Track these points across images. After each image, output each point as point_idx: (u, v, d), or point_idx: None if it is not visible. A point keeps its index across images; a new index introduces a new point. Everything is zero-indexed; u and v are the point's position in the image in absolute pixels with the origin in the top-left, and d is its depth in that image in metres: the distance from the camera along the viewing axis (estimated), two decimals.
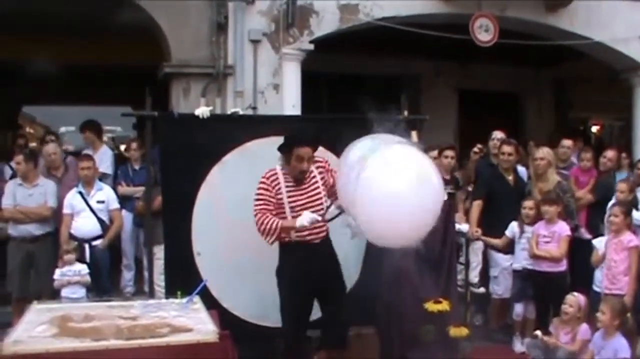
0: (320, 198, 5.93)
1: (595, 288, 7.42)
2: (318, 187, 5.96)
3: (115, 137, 19.54)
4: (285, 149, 5.82)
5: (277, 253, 6.08)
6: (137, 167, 9.35)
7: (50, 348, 4.34)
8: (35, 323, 4.83)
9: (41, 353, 4.29)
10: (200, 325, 4.74)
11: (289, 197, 5.85)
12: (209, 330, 4.60)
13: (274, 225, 5.75)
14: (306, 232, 5.86)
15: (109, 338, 4.49)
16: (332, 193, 5.94)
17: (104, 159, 9.58)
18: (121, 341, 4.42)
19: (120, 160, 10.30)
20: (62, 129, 15.89)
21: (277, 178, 5.87)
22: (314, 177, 5.98)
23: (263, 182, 5.85)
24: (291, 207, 5.83)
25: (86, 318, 4.95)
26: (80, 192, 8.20)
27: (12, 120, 16.45)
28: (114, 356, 4.31)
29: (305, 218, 5.68)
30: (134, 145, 9.51)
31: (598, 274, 7.44)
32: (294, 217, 5.80)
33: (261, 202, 5.82)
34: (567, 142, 9.33)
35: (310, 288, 5.93)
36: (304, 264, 5.86)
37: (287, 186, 5.86)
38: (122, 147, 13.79)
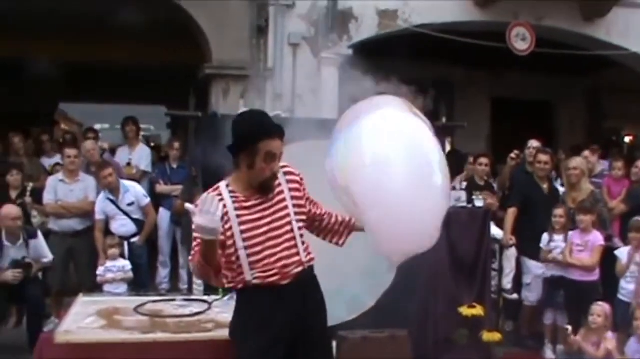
0: (289, 223, 3.90)
1: (621, 297, 7.47)
2: (286, 208, 3.92)
3: (150, 136, 19.80)
4: (244, 146, 3.74)
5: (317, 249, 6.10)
6: (175, 166, 9.50)
7: (99, 339, 4.50)
8: (83, 315, 4.98)
9: (91, 343, 4.45)
10: None
11: (242, 224, 3.78)
12: None
13: (198, 262, 3.73)
14: (269, 269, 3.86)
15: (156, 331, 4.64)
16: (327, 230, 4.30)
17: (143, 156, 9.78)
18: (168, 335, 4.56)
19: (156, 158, 10.48)
20: (97, 127, 16.10)
21: (219, 200, 3.59)
22: (281, 192, 3.94)
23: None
24: (245, 239, 3.77)
25: (132, 311, 5.09)
26: (109, 199, 8.25)
27: (48, 117, 16.72)
28: (161, 349, 4.45)
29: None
30: (176, 144, 9.65)
31: (623, 284, 7.49)
32: (250, 254, 3.81)
33: (195, 243, 3.75)
34: (585, 152, 9.36)
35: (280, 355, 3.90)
36: (270, 319, 3.86)
37: (236, 209, 3.79)
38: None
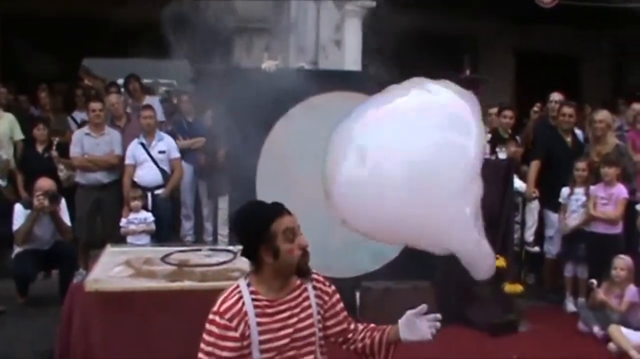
0: (312, 335, 3.34)
1: None
2: (310, 317, 3.35)
3: (172, 90, 19.82)
4: (257, 239, 3.18)
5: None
6: (190, 119, 9.55)
7: (128, 287, 4.60)
8: (111, 264, 5.09)
9: (120, 291, 4.56)
10: None
11: (262, 333, 3.20)
12: None
13: None
14: None
15: (183, 279, 4.72)
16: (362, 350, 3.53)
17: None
18: (195, 283, 4.65)
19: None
20: (120, 81, 16.10)
21: (240, 309, 3.16)
22: (306, 298, 3.37)
23: (216, 324, 3.13)
24: (263, 351, 3.20)
25: (159, 261, 5.18)
26: (141, 143, 8.40)
27: (73, 72, 16.77)
28: (188, 297, 4.54)
29: None
30: (184, 98, 9.71)
31: None
32: None
33: None
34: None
35: None
36: None
37: (257, 315, 3.20)
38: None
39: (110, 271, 4.90)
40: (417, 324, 3.30)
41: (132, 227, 7.79)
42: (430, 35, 13.48)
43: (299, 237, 3.23)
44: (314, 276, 3.41)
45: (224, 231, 7.14)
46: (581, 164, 7.80)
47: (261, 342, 3.18)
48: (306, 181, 6.42)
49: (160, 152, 8.44)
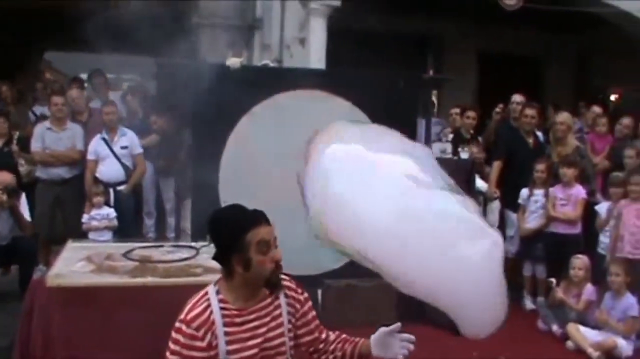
0: (283, 344, 3.25)
1: (600, 251, 7.63)
2: (281, 326, 3.27)
3: (134, 86, 19.68)
4: (230, 247, 3.09)
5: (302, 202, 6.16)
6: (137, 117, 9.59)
7: (90, 283, 4.57)
8: (73, 259, 5.05)
9: (82, 286, 4.53)
10: None
11: (229, 343, 3.11)
12: None
13: None
14: None
15: (146, 275, 4.71)
16: None
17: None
18: (158, 279, 4.63)
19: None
20: (83, 76, 15.95)
21: (208, 318, 3.08)
22: (278, 306, 3.28)
23: (182, 333, 3.05)
24: None
25: (121, 256, 5.15)
26: (104, 139, 8.34)
27: (33, 66, 16.59)
28: (150, 293, 4.53)
29: None
30: (129, 97, 9.83)
31: (602, 238, 7.64)
32: None
33: None
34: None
35: None
36: None
37: (225, 324, 3.11)
38: None
39: (72, 266, 4.85)
40: (390, 341, 3.26)
41: (94, 223, 7.73)
42: (395, 35, 13.56)
43: (274, 250, 3.11)
44: (287, 282, 3.34)
45: (188, 228, 7.13)
46: (540, 166, 7.91)
47: (229, 352, 3.09)
48: (269, 178, 6.46)
49: (123, 147, 8.40)
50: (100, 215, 7.76)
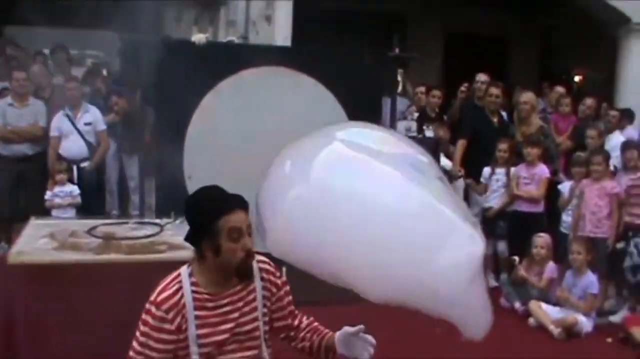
0: (257, 329, 3.16)
1: (562, 230, 7.75)
2: (255, 310, 3.17)
3: (99, 62, 19.42)
4: (202, 231, 3.00)
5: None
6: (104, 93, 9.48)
7: (53, 260, 4.52)
8: (36, 237, 4.98)
9: (45, 263, 4.48)
10: None
11: (200, 327, 3.03)
12: None
13: None
14: None
15: (110, 252, 4.67)
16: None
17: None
18: (121, 256, 4.60)
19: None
20: (46, 51, 15.73)
21: (179, 301, 3.00)
22: (252, 291, 3.16)
23: (152, 315, 2.97)
24: (201, 346, 3.03)
25: (85, 233, 5.10)
26: (67, 115, 8.25)
27: None
28: (114, 270, 4.50)
29: None
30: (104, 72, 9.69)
31: (564, 217, 7.75)
32: None
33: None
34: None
35: None
36: None
37: (196, 308, 3.02)
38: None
39: (34, 243, 4.79)
40: (353, 342, 3.20)
41: (58, 200, 7.62)
42: (361, 14, 13.55)
43: (245, 238, 2.98)
44: (265, 265, 3.23)
45: (152, 204, 7.10)
46: (503, 146, 7.97)
47: (199, 336, 3.01)
48: (235, 154, 6.45)
49: (86, 124, 8.31)
50: (64, 192, 7.66)
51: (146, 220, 5.84)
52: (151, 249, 4.74)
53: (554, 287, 7.10)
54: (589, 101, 9.40)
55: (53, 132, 8.20)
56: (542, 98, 10.55)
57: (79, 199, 7.68)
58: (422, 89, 9.37)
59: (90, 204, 8.05)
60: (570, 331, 6.60)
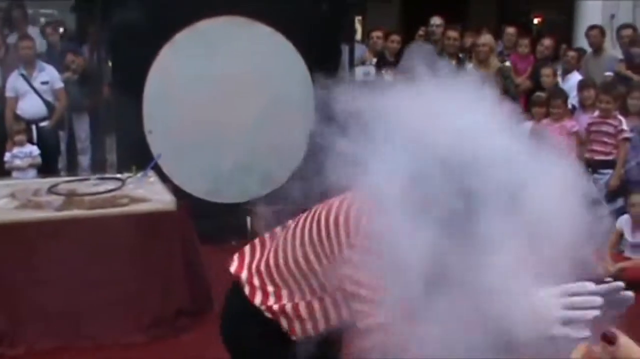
0: None
1: None
2: None
3: (52, 21, 19.07)
4: None
5: (228, 130, 6.22)
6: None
7: (15, 219, 4.50)
8: None
9: (7, 223, 4.46)
10: (158, 196, 4.92)
11: None
12: (168, 200, 4.79)
13: None
14: None
15: (72, 208, 4.66)
16: None
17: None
18: (84, 211, 4.59)
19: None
20: None
21: None
22: None
23: None
24: None
25: (46, 191, 5.08)
26: (22, 75, 8.09)
27: None
28: (77, 226, 4.49)
29: None
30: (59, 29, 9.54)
31: None
32: None
33: None
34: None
35: None
36: None
37: None
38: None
39: None
40: None
41: (17, 162, 7.52)
42: None
43: None
44: None
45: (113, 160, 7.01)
46: None
47: None
48: (195, 105, 6.42)
49: (43, 83, 8.16)
50: (23, 153, 7.56)
51: (107, 175, 5.80)
52: (113, 203, 4.73)
53: None
54: (547, 42, 9.44)
55: (9, 93, 8.05)
56: (501, 40, 10.56)
57: (39, 160, 7.59)
58: (379, 33, 9.35)
59: (51, 164, 7.99)
60: None
